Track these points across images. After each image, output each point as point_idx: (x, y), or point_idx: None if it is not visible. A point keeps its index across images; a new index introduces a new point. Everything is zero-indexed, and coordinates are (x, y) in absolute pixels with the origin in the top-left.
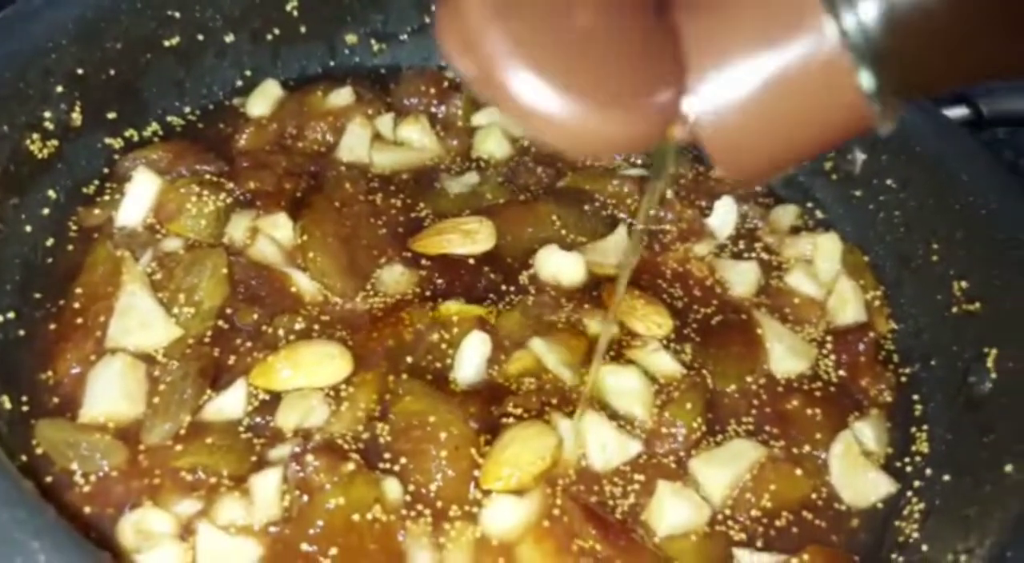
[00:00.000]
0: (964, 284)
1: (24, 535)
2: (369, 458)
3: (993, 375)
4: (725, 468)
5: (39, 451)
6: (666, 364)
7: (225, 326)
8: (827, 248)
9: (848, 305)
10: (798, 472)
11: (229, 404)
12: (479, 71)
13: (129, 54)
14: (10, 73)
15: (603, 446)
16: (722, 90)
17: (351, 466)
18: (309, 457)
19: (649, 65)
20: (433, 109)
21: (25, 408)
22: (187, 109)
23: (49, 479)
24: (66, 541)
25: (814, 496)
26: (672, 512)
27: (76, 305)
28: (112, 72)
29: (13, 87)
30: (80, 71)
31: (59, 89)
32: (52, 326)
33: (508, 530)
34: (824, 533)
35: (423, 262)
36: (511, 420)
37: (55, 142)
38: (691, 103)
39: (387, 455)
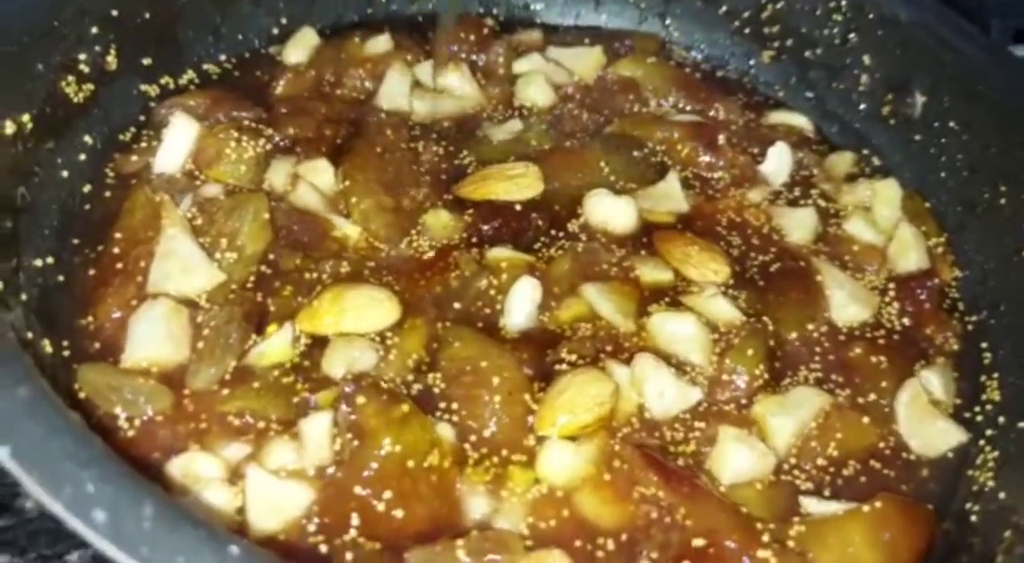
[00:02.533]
0: None
1: (73, 465)
2: (421, 404)
3: None
4: (789, 415)
5: (82, 395)
6: (724, 310)
7: (268, 271)
8: (886, 194)
9: (910, 252)
10: (865, 420)
11: (275, 348)
12: None
13: None
14: (44, 10)
15: (661, 393)
16: None
17: (405, 408)
18: (360, 398)
19: None
20: (473, 57)
21: (66, 353)
22: (223, 57)
23: (93, 421)
24: (114, 471)
25: (881, 445)
26: (736, 459)
27: (115, 250)
28: (147, 15)
29: (47, 26)
30: (115, 13)
31: (94, 30)
32: (91, 272)
33: (565, 477)
34: (893, 482)
35: (468, 208)
36: (565, 366)
37: (91, 86)
38: None
39: (439, 402)
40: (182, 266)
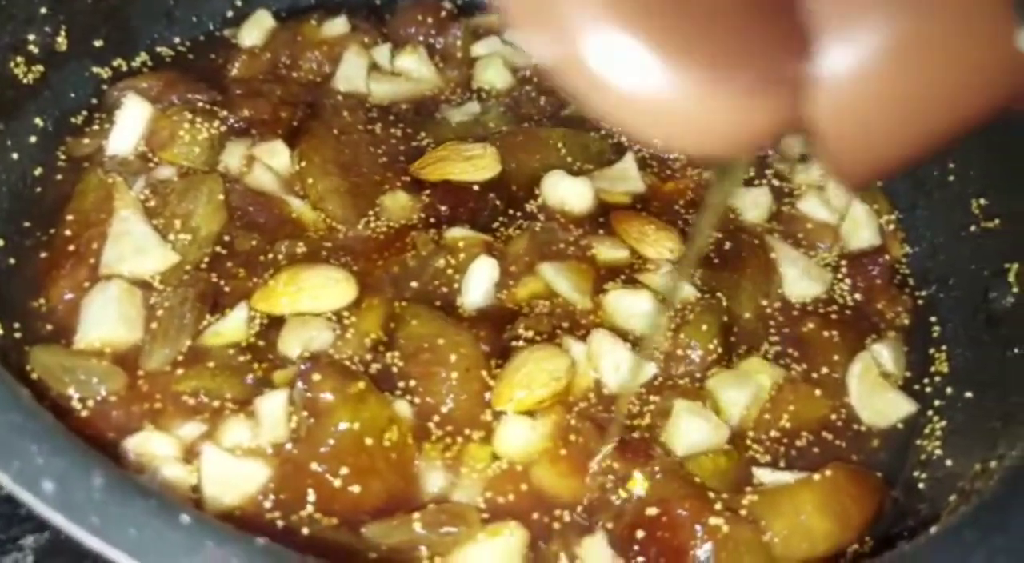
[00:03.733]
0: (983, 201)
1: (21, 438)
2: (379, 382)
3: (1015, 289)
4: (742, 388)
5: (34, 377)
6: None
7: (223, 252)
8: None
9: (862, 229)
10: (817, 393)
11: (230, 328)
12: (560, 44)
13: None
14: None
15: (617, 367)
16: (857, 50)
17: (361, 385)
18: (316, 376)
19: (770, 28)
20: (431, 40)
21: (18, 335)
22: (176, 39)
23: (46, 404)
24: (63, 444)
25: (833, 417)
26: (690, 431)
27: (67, 233)
28: None
29: None
30: None
31: (43, 10)
32: (43, 254)
33: (522, 451)
34: (844, 453)
35: (426, 189)
36: (522, 343)
37: (40, 67)
38: (816, 75)
39: (398, 380)
40: (135, 247)
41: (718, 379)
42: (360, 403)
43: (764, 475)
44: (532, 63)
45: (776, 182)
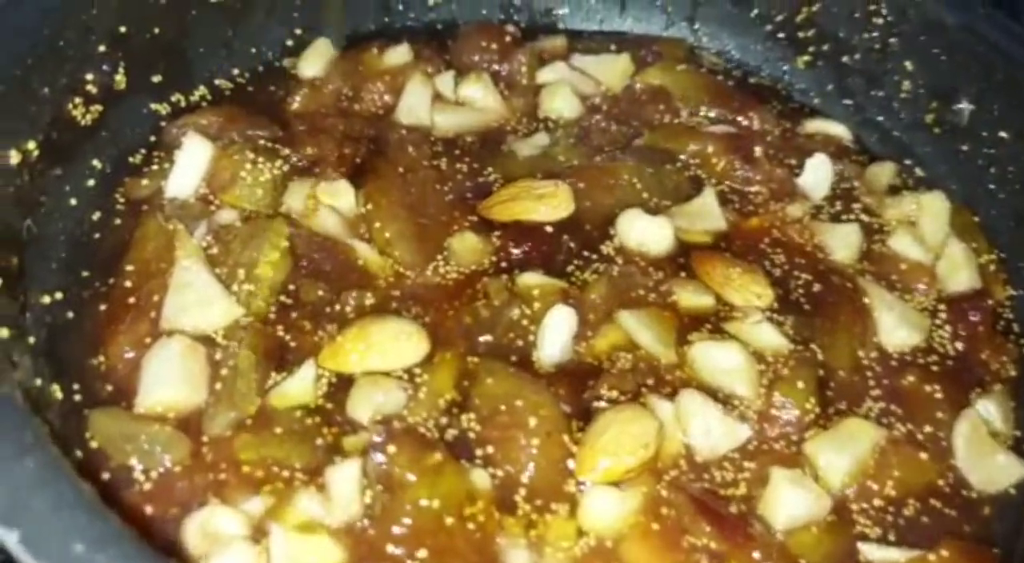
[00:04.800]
0: None
1: (87, 548)
2: (455, 450)
3: None
4: (844, 452)
5: (94, 445)
6: (770, 338)
7: (288, 302)
8: (933, 208)
9: (960, 270)
10: (922, 456)
11: (297, 389)
12: None
13: (174, 11)
14: (48, 30)
15: (708, 431)
16: None
17: (438, 456)
18: (391, 447)
19: None
20: (495, 66)
21: (77, 397)
22: (235, 71)
23: (106, 476)
24: (133, 552)
25: (941, 482)
26: (789, 503)
27: (127, 283)
28: (156, 30)
29: (52, 45)
30: (123, 29)
31: (101, 48)
32: (102, 307)
33: (610, 526)
34: (955, 523)
35: (496, 230)
36: (604, 403)
37: (98, 107)
38: None
39: (474, 446)
40: (198, 300)
41: (817, 442)
42: (438, 476)
43: (872, 551)
44: (601, 90)
45: (865, 217)
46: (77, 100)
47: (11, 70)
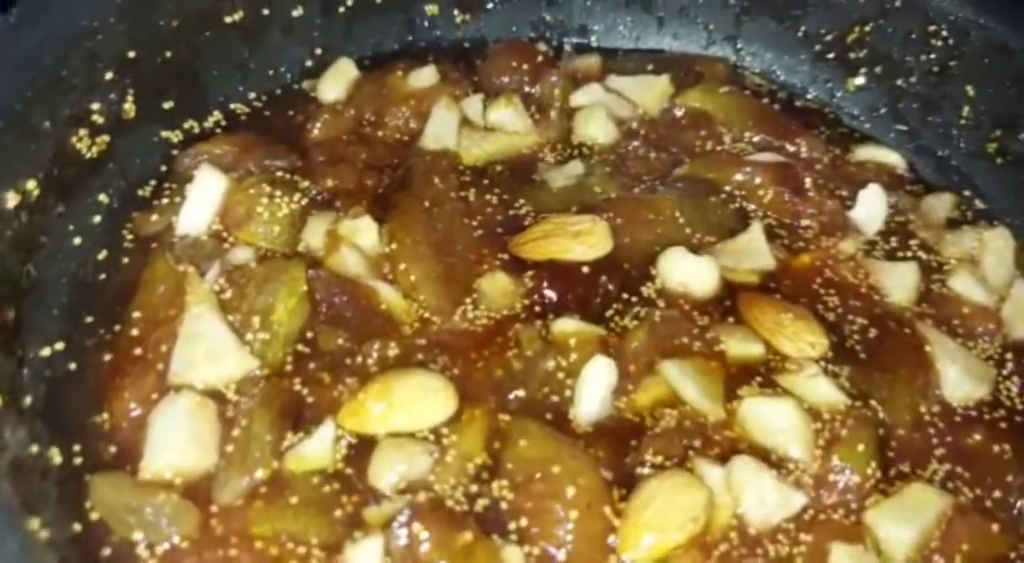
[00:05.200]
0: None
1: None
2: (486, 523)
3: None
4: (908, 523)
5: (94, 516)
6: (826, 393)
7: (306, 350)
8: (996, 246)
9: None
10: (994, 527)
11: (316, 451)
12: None
13: (186, 32)
14: (49, 58)
15: (762, 500)
16: None
17: (468, 536)
18: (417, 526)
19: None
20: (526, 88)
21: (78, 460)
22: (251, 95)
23: (107, 551)
24: None
25: (1012, 555)
26: None
27: (134, 331)
28: (168, 54)
29: (54, 75)
30: (131, 54)
31: (108, 76)
32: (106, 357)
33: None
34: None
35: (528, 270)
36: (648, 469)
37: (105, 138)
38: None
39: (507, 519)
40: (209, 351)
41: (878, 512)
42: (468, 559)
43: None
44: (638, 113)
45: (922, 254)
46: (82, 132)
47: (9, 105)
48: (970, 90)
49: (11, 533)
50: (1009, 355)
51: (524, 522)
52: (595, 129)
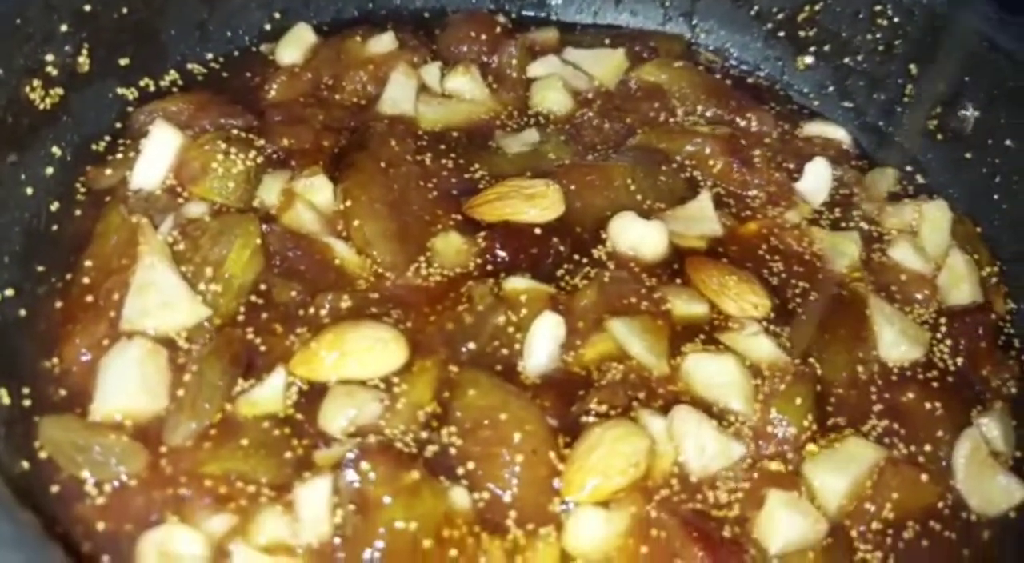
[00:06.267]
0: None
1: None
2: (434, 466)
3: None
4: (842, 473)
5: (43, 455)
6: (767, 350)
7: (259, 302)
8: (934, 217)
9: (962, 283)
10: (923, 477)
11: (266, 397)
12: None
13: None
14: (5, 7)
15: (702, 449)
16: None
17: (415, 475)
18: (365, 464)
19: None
20: (484, 58)
21: (27, 402)
22: (209, 55)
23: (55, 489)
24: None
25: (940, 505)
26: (785, 526)
27: (85, 280)
28: (125, 10)
29: (9, 24)
30: (88, 8)
31: (64, 28)
32: (58, 304)
33: (597, 549)
34: (954, 547)
35: (481, 230)
36: (593, 418)
37: (59, 90)
38: None
39: (455, 463)
40: (161, 300)
41: (814, 462)
42: (414, 497)
43: None
44: (594, 85)
45: (864, 225)
46: (36, 82)
47: None
48: (913, 69)
49: None
50: (943, 320)
51: (471, 466)
52: (551, 98)
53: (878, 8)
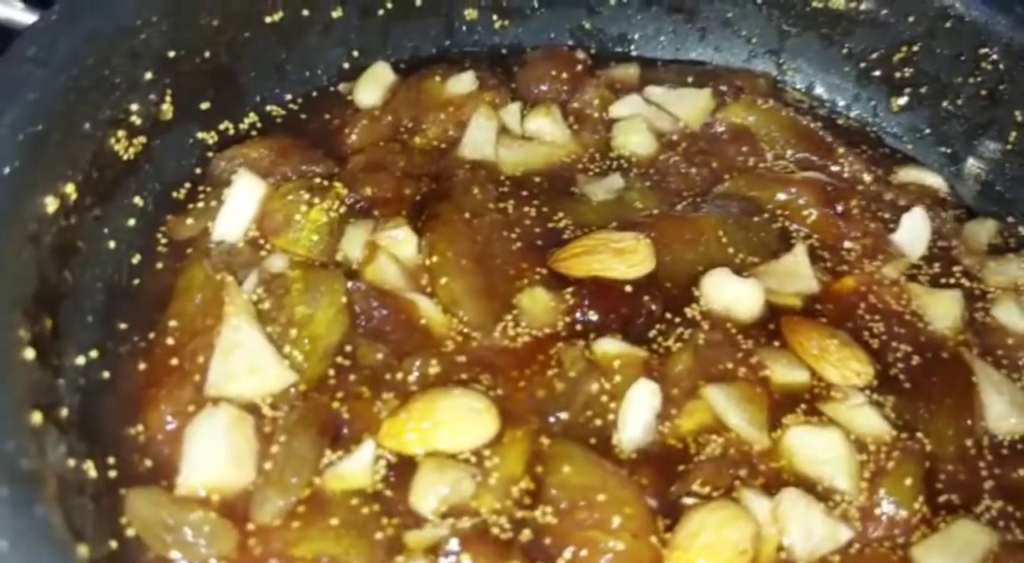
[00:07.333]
0: None
1: None
2: (530, 553)
3: None
4: (955, 561)
5: (130, 533)
6: (872, 424)
7: (345, 363)
8: None
9: None
10: None
11: (354, 471)
12: None
13: (226, 32)
14: (93, 58)
15: (809, 532)
16: None
17: None
18: (465, 557)
19: None
20: (565, 97)
21: (112, 473)
22: (288, 96)
23: None
24: None
25: None
26: None
27: (169, 340)
28: (207, 54)
29: (97, 75)
30: (171, 54)
31: (148, 76)
32: (141, 366)
33: None
34: None
35: (568, 286)
36: (692, 499)
37: (142, 139)
38: None
39: (552, 549)
40: (248, 364)
41: (925, 548)
42: None
43: None
44: (678, 126)
45: (966, 282)
46: (120, 133)
47: (52, 107)
48: (1019, 116)
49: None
50: None
51: (569, 554)
52: (635, 142)
53: (983, 51)
